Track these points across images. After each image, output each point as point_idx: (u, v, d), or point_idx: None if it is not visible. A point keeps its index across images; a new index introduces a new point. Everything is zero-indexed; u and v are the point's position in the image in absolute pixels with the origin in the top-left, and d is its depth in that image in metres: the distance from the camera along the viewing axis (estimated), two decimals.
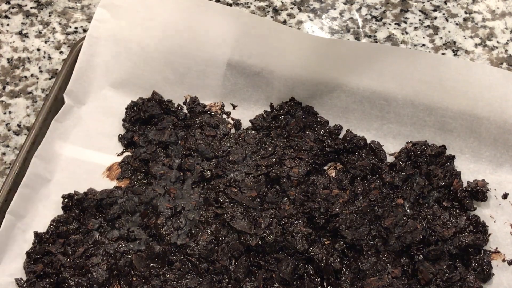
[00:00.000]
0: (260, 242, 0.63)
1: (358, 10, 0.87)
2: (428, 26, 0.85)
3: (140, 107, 0.75)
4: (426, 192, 0.68)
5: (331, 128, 0.73)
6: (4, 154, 0.75)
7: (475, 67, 0.71)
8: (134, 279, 0.63)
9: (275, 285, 0.62)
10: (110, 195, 0.67)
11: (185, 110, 0.76)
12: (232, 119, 0.76)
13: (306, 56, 0.72)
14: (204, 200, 0.68)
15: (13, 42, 0.85)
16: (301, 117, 0.74)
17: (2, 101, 0.80)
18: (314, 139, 0.72)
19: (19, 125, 0.78)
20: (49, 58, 0.83)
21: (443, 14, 0.86)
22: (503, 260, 0.65)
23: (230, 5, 0.88)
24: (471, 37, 0.84)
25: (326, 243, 0.65)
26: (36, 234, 0.65)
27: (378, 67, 0.71)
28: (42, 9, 0.88)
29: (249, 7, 0.88)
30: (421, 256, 0.63)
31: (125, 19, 0.76)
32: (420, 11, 0.87)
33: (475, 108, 0.70)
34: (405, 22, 0.86)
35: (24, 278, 0.63)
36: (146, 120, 0.74)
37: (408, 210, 0.67)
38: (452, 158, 0.71)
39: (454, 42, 0.83)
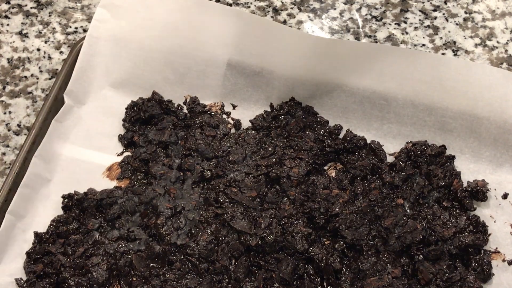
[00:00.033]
0: (260, 242, 0.64)
1: (358, 10, 0.87)
2: (428, 26, 0.85)
3: (140, 107, 0.75)
4: (426, 192, 0.68)
5: (331, 128, 0.73)
6: (4, 154, 0.75)
7: (475, 67, 0.71)
8: (134, 279, 0.63)
9: (275, 285, 0.62)
10: (110, 195, 0.67)
11: (185, 110, 0.76)
12: (232, 119, 0.76)
13: (306, 56, 0.72)
14: (204, 200, 0.68)
15: (13, 42, 0.85)
16: (301, 117, 0.74)
17: (2, 101, 0.80)
18: (314, 139, 0.72)
19: (19, 125, 0.78)
20: (49, 58, 0.83)
21: (443, 14, 0.86)
22: (503, 260, 0.65)
23: (230, 5, 0.88)
24: (471, 37, 0.84)
25: (326, 243, 0.65)
26: (36, 234, 0.65)
27: (378, 67, 0.71)
28: (42, 9, 0.88)
29: (249, 7, 0.88)
30: (421, 256, 0.63)
31: (125, 19, 0.76)
32: (420, 11, 0.87)
33: (475, 108, 0.70)
34: (405, 22, 0.86)
35: (24, 278, 0.63)
36: (146, 120, 0.74)
37: (408, 210, 0.67)
38: (452, 158, 0.71)
39: (454, 42, 0.83)
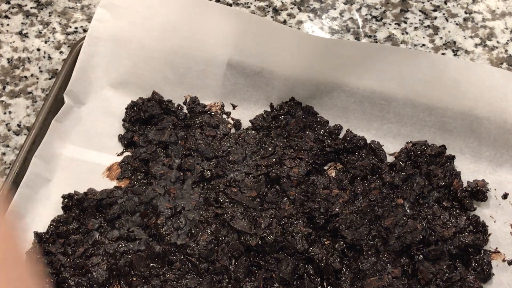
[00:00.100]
0: (260, 242, 0.63)
1: (358, 10, 0.87)
2: (428, 26, 0.85)
3: (140, 107, 0.75)
4: (426, 192, 0.68)
5: (331, 128, 0.73)
6: (4, 154, 0.75)
7: (475, 67, 0.70)
8: (134, 279, 0.63)
9: (275, 285, 0.62)
10: (110, 195, 0.67)
11: (185, 110, 0.76)
12: (232, 119, 0.76)
13: (306, 56, 0.72)
14: (204, 200, 0.68)
15: (13, 42, 0.85)
16: (301, 117, 0.74)
17: (2, 101, 0.80)
18: (314, 139, 0.72)
19: (19, 125, 0.78)
20: (49, 58, 0.83)
21: (443, 14, 0.86)
22: (503, 260, 0.65)
23: (230, 5, 0.88)
24: (471, 37, 0.84)
25: (326, 243, 0.65)
26: (36, 234, 0.65)
27: (378, 67, 0.71)
28: (42, 9, 0.88)
29: (249, 7, 0.88)
30: (421, 256, 0.63)
31: (125, 19, 0.76)
32: (420, 11, 0.87)
33: (475, 108, 0.70)
34: (405, 22, 0.86)
35: None
36: (146, 120, 0.74)
37: (408, 210, 0.67)
38: (452, 158, 0.71)
39: (454, 42, 0.83)
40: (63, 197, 0.68)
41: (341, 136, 0.73)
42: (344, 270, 0.63)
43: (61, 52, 0.84)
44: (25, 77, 0.81)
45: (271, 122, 0.74)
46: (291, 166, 0.69)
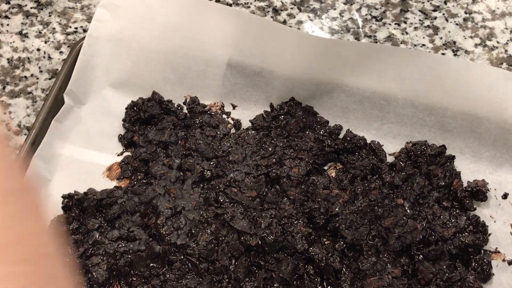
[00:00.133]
0: (260, 242, 0.63)
1: (358, 10, 0.87)
2: (428, 26, 0.85)
3: (140, 107, 0.75)
4: (426, 192, 0.68)
5: (331, 128, 0.73)
6: None
7: (475, 67, 0.71)
8: (134, 279, 0.63)
9: (275, 285, 0.62)
10: (110, 195, 0.67)
11: (185, 110, 0.76)
12: (232, 119, 0.76)
13: (306, 56, 0.72)
14: (204, 200, 0.68)
15: (13, 42, 0.85)
16: (301, 117, 0.74)
17: (2, 101, 0.80)
18: (314, 139, 0.72)
19: (19, 125, 0.78)
20: (49, 58, 0.83)
21: (443, 14, 0.86)
22: (503, 260, 0.65)
23: (230, 5, 0.88)
24: (471, 37, 0.84)
25: (326, 243, 0.65)
26: None
27: (378, 67, 0.71)
28: (42, 9, 0.88)
29: (249, 7, 0.88)
30: (421, 256, 0.63)
31: (125, 19, 0.76)
32: (420, 11, 0.87)
33: (475, 108, 0.70)
34: (405, 22, 0.86)
35: None
36: (146, 120, 0.74)
37: (408, 210, 0.67)
38: (452, 158, 0.71)
39: (454, 42, 0.83)
40: (63, 197, 0.68)
41: (341, 136, 0.73)
42: (344, 270, 0.63)
43: (61, 52, 0.84)
44: (25, 77, 0.82)
45: (271, 122, 0.74)
46: (291, 166, 0.69)
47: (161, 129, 0.73)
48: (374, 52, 0.71)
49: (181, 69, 0.76)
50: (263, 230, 0.64)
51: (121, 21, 0.76)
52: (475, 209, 0.67)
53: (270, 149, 0.71)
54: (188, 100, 0.77)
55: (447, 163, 0.70)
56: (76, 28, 0.86)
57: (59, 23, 0.87)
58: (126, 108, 0.75)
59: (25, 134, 0.76)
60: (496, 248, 0.65)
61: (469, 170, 0.71)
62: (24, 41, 0.85)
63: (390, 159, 0.72)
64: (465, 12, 0.86)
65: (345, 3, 0.88)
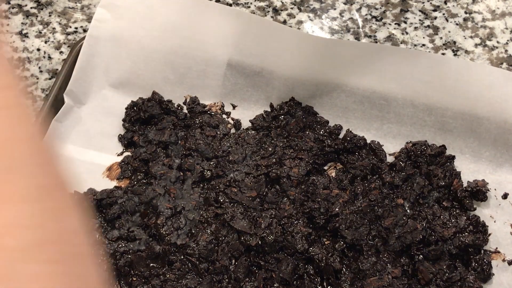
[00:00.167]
0: (260, 242, 0.63)
1: (358, 10, 0.87)
2: (428, 26, 0.85)
3: (140, 107, 0.75)
4: (426, 192, 0.68)
5: (331, 128, 0.73)
6: None
7: (475, 67, 0.71)
8: (134, 279, 0.63)
9: (275, 285, 0.62)
10: (110, 195, 0.67)
11: (185, 110, 0.76)
12: (232, 119, 0.76)
13: (306, 56, 0.72)
14: (204, 200, 0.68)
15: (13, 42, 0.85)
16: (301, 117, 0.74)
17: None
18: (314, 139, 0.72)
19: None
20: (49, 58, 0.83)
21: (443, 14, 0.86)
22: (503, 260, 0.65)
23: (230, 5, 0.88)
24: (471, 37, 0.84)
25: (326, 243, 0.65)
26: None
27: (378, 67, 0.71)
28: (42, 9, 0.88)
29: (249, 7, 0.88)
30: (421, 256, 0.63)
31: (125, 19, 0.76)
32: (420, 11, 0.87)
33: (475, 108, 0.70)
34: (405, 22, 0.85)
35: None
36: (146, 120, 0.74)
37: (408, 210, 0.67)
38: (452, 158, 0.71)
39: (454, 42, 0.83)
40: None
41: (341, 136, 0.73)
42: (344, 270, 0.63)
43: (61, 52, 0.84)
44: (25, 77, 0.81)
45: (271, 122, 0.74)
46: (291, 166, 0.69)
47: (161, 129, 0.73)
48: (374, 52, 0.71)
49: (181, 69, 0.76)
50: (263, 230, 0.64)
51: (121, 21, 0.76)
52: (475, 209, 0.67)
53: (270, 149, 0.71)
54: (188, 100, 0.77)
55: (447, 163, 0.70)
56: (76, 28, 0.86)
57: (59, 23, 0.87)
58: (126, 108, 0.75)
59: None
60: (496, 248, 0.65)
61: (469, 170, 0.71)
62: (24, 41, 0.85)
63: (390, 159, 0.72)
64: (465, 12, 0.86)
65: (345, 3, 0.88)
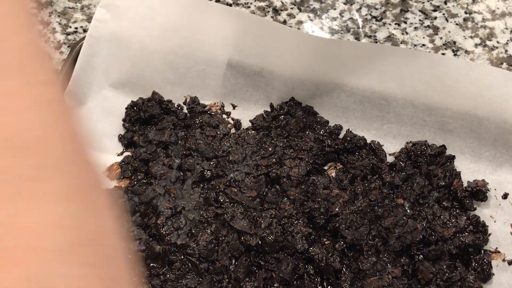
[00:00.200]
0: (260, 242, 0.63)
1: (358, 10, 0.87)
2: (428, 26, 0.85)
3: (140, 107, 0.75)
4: (426, 192, 0.68)
5: (331, 128, 0.73)
6: None
7: (475, 67, 0.71)
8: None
9: (275, 285, 0.62)
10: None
11: (185, 110, 0.76)
12: (232, 119, 0.76)
13: (306, 56, 0.72)
14: (204, 200, 0.68)
15: None
16: (301, 117, 0.74)
17: None
18: (314, 139, 0.72)
19: None
20: (49, 58, 0.83)
21: (443, 14, 0.86)
22: (503, 260, 0.65)
23: (230, 5, 0.88)
24: (471, 37, 0.84)
25: (326, 243, 0.65)
26: None
27: (378, 67, 0.71)
28: (42, 9, 0.88)
29: (249, 7, 0.88)
30: (421, 256, 0.63)
31: (125, 19, 0.76)
32: (420, 11, 0.87)
33: (475, 108, 0.70)
34: (405, 22, 0.86)
35: None
36: (146, 120, 0.74)
37: (408, 210, 0.67)
38: (452, 158, 0.71)
39: (454, 42, 0.83)
40: None
41: (341, 136, 0.73)
42: (344, 270, 0.63)
43: (61, 52, 0.84)
44: None
45: (271, 122, 0.74)
46: (291, 166, 0.69)
47: (161, 129, 0.73)
48: (374, 52, 0.71)
49: (181, 69, 0.76)
50: (263, 230, 0.64)
51: (121, 21, 0.76)
52: (475, 209, 0.67)
53: (270, 149, 0.71)
54: (188, 100, 0.77)
55: (447, 163, 0.70)
56: (76, 28, 0.86)
57: (59, 23, 0.87)
58: (126, 108, 0.75)
59: None
60: (496, 248, 0.65)
61: (469, 170, 0.71)
62: None
63: (390, 159, 0.72)
64: (465, 12, 0.86)
65: (345, 3, 0.88)
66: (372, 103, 0.73)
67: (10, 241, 0.22)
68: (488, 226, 0.66)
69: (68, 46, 0.84)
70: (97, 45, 0.76)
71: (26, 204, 0.23)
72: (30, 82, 0.26)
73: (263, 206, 0.67)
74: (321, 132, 0.73)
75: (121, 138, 0.74)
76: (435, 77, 0.70)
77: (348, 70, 0.72)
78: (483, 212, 0.68)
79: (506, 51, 0.82)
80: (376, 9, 0.87)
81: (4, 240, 0.22)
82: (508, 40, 0.83)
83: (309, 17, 0.87)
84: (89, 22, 0.83)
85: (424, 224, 0.65)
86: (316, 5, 0.88)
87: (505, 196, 0.69)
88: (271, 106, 0.75)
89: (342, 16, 0.86)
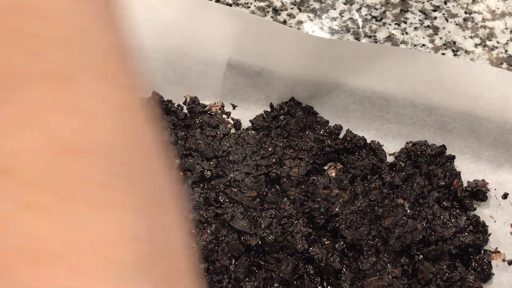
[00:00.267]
0: (260, 242, 0.64)
1: (358, 10, 0.87)
2: (428, 26, 0.85)
3: None
4: (426, 192, 0.68)
5: (331, 128, 0.73)
6: None
7: (475, 67, 0.71)
8: None
9: (275, 285, 0.62)
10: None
11: (185, 110, 0.76)
12: (232, 119, 0.76)
13: (306, 56, 0.72)
14: (204, 200, 0.68)
15: None
16: (301, 117, 0.74)
17: None
18: (314, 139, 0.72)
19: None
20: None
21: (443, 14, 0.86)
22: (503, 260, 0.65)
23: (230, 5, 0.88)
24: (471, 37, 0.84)
25: (326, 243, 0.65)
26: None
27: (378, 67, 0.71)
28: None
29: (249, 7, 0.88)
30: (421, 256, 0.63)
31: (125, 19, 0.76)
32: (420, 11, 0.87)
33: (475, 108, 0.70)
34: (405, 22, 0.86)
35: None
36: None
37: (408, 210, 0.67)
38: (452, 158, 0.71)
39: (454, 42, 0.83)
40: None
41: (341, 136, 0.73)
42: (344, 270, 0.63)
43: None
44: None
45: (271, 122, 0.74)
46: (291, 166, 0.69)
47: (161, 129, 0.73)
48: (374, 52, 0.71)
49: (181, 69, 0.76)
50: (263, 230, 0.64)
51: (121, 21, 0.76)
52: (475, 209, 0.67)
53: (270, 149, 0.71)
54: (188, 100, 0.77)
55: (447, 163, 0.70)
56: None
57: None
58: None
59: None
60: (496, 248, 0.65)
61: (469, 170, 0.71)
62: None
63: (390, 159, 0.72)
64: (465, 12, 0.86)
65: (345, 3, 0.88)
66: (372, 103, 0.73)
67: (87, 250, 0.22)
68: (488, 226, 0.66)
69: None
70: None
71: (105, 212, 0.22)
72: (114, 86, 0.25)
73: (263, 206, 0.67)
74: (321, 132, 0.73)
75: None
76: (435, 77, 0.70)
77: (348, 70, 0.72)
78: (483, 212, 0.68)
79: (506, 51, 0.82)
80: (376, 9, 0.87)
81: (81, 249, 0.22)
82: (508, 40, 0.83)
83: (309, 17, 0.87)
84: None
85: (424, 224, 0.65)
86: (316, 5, 0.88)
87: (505, 196, 0.69)
88: (271, 106, 0.75)
89: (342, 16, 0.86)
